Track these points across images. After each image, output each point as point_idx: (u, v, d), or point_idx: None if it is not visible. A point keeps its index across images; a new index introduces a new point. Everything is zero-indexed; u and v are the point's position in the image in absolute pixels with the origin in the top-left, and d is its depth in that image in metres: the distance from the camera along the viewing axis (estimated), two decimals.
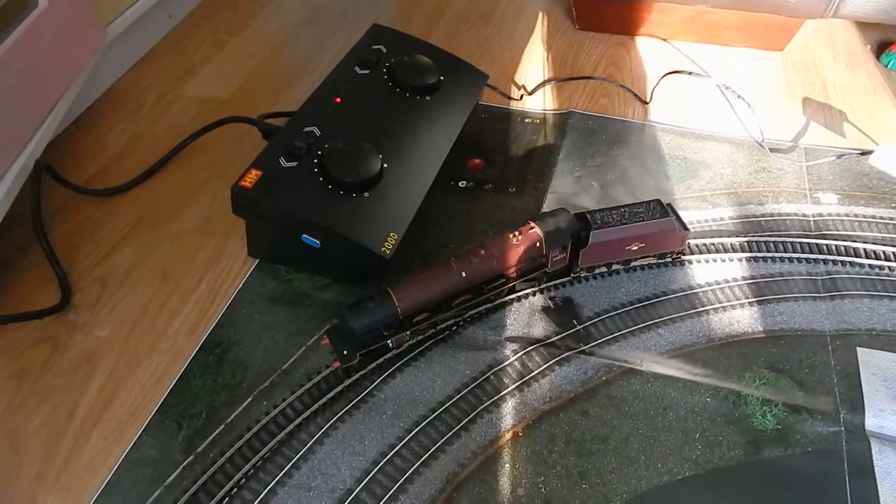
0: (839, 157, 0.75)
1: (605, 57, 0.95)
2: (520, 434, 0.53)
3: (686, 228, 0.61)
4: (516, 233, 0.59)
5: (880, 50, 0.94)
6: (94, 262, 0.68)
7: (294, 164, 0.60)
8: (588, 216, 0.60)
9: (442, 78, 0.73)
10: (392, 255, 0.58)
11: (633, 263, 0.64)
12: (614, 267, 0.64)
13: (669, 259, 0.64)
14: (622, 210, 0.61)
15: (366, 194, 0.61)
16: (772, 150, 0.77)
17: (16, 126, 0.68)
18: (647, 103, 0.86)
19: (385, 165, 0.63)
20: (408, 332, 0.57)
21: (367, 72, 0.71)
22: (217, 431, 0.54)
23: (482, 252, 0.57)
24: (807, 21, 0.93)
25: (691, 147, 0.79)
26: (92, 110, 0.88)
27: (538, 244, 0.59)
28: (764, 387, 0.55)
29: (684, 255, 0.65)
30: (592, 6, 0.97)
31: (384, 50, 0.74)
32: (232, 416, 0.55)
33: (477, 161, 0.78)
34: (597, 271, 0.63)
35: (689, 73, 0.88)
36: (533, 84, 0.89)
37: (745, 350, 0.58)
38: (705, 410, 0.54)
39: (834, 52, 0.95)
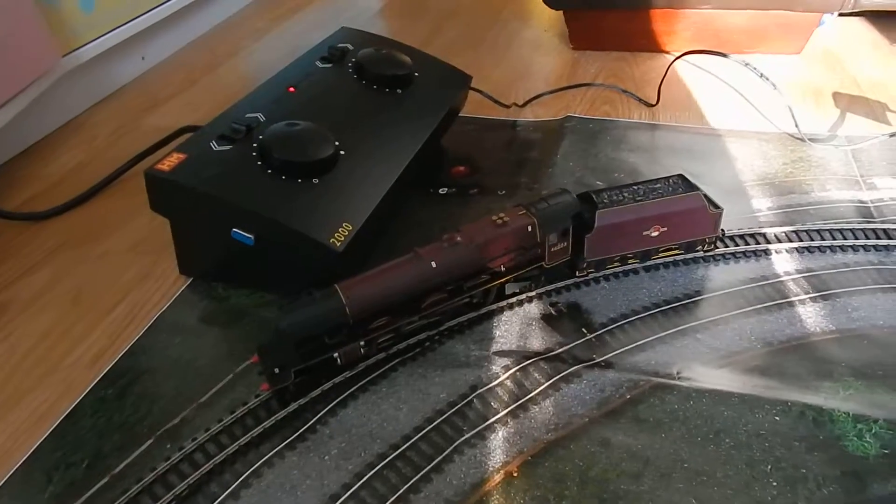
0: (892, 135, 0.63)
1: (605, 70, 0.86)
2: (515, 474, 0.37)
3: (718, 207, 0.49)
4: (501, 215, 0.46)
5: None
6: None
7: (227, 147, 0.49)
8: (593, 195, 0.48)
9: (416, 74, 0.64)
10: (344, 250, 0.46)
11: (654, 259, 0.50)
12: (631, 264, 0.50)
13: (700, 251, 0.51)
14: (635, 188, 0.49)
15: (314, 181, 0.49)
16: (809, 139, 0.66)
17: None
18: (653, 106, 0.76)
19: (342, 153, 0.52)
20: (361, 344, 0.43)
21: (329, 65, 0.62)
22: (98, 486, 0.39)
23: (458, 238, 0.45)
24: (822, 24, 0.85)
25: (710, 143, 0.67)
26: (43, 142, 0.80)
27: (530, 228, 0.46)
28: (853, 399, 0.40)
29: (717, 246, 0.51)
30: (586, 21, 0.90)
31: (351, 47, 0.65)
32: (122, 465, 0.40)
33: (460, 168, 0.67)
34: (608, 269, 0.50)
35: (704, 52, 0.77)
36: (524, 99, 0.80)
37: (816, 354, 0.43)
38: (776, 433, 0.38)
39: (858, 53, 0.85)
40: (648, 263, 0.50)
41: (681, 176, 0.49)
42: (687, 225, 0.48)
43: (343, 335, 0.42)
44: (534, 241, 0.46)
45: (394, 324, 0.43)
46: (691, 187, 0.48)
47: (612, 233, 0.47)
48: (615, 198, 0.47)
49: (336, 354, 0.42)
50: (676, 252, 0.50)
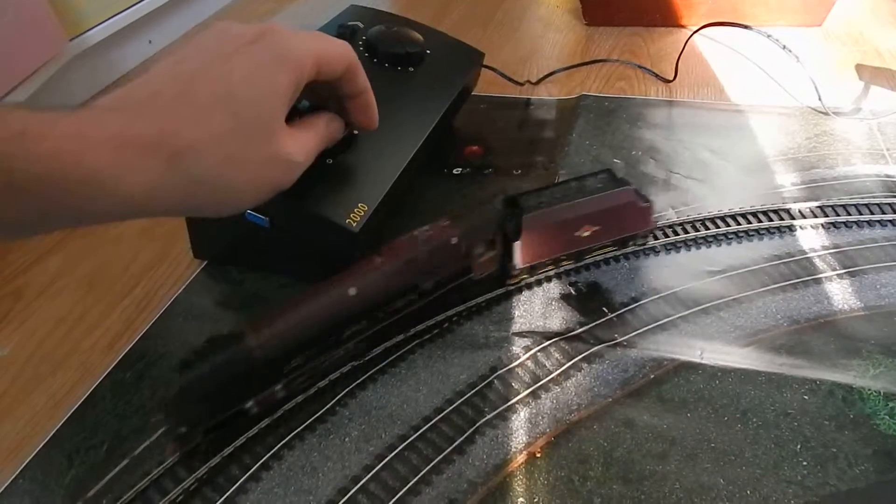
0: None
1: (619, 46, 0.84)
2: (538, 455, 0.37)
3: (648, 201, 0.47)
4: (425, 228, 0.43)
5: None
6: (14, 273, 0.56)
7: None
8: (519, 199, 0.45)
9: (429, 51, 0.63)
10: (361, 230, 0.45)
11: (587, 259, 0.49)
12: (565, 265, 0.48)
13: (632, 248, 0.49)
14: (563, 186, 0.46)
15: (328, 161, 0.48)
16: (833, 113, 0.64)
17: None
18: (671, 81, 0.74)
19: (355, 132, 0.51)
20: (278, 388, 0.39)
21: None
22: (118, 468, 0.39)
23: (377, 260, 0.41)
24: None
25: (731, 119, 0.66)
26: None
27: (454, 241, 0.43)
28: (883, 377, 0.39)
29: (650, 240, 0.49)
30: None
31: (361, 25, 0.64)
32: (141, 447, 0.40)
33: (474, 148, 0.66)
34: (541, 273, 0.48)
35: (726, 25, 0.74)
36: (538, 77, 0.78)
37: (844, 331, 0.42)
38: (805, 412, 0.37)
39: (882, 24, 0.83)
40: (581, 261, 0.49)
41: (608, 171, 0.47)
42: (619, 222, 0.46)
43: (255, 385, 0.38)
44: (458, 255, 0.43)
45: (313, 360, 0.40)
46: (621, 182, 0.46)
47: (542, 237, 0.45)
48: (542, 199, 0.45)
49: (248, 405, 0.38)
50: (610, 249, 0.48)
